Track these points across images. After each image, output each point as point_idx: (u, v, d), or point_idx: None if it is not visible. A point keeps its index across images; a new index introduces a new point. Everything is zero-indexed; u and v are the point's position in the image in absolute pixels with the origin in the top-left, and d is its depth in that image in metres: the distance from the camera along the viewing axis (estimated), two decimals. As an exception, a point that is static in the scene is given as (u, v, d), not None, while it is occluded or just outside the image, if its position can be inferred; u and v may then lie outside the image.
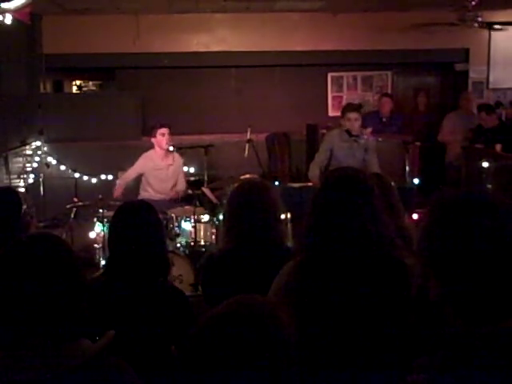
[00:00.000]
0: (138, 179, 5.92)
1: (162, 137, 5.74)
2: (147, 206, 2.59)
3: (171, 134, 5.80)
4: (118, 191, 5.72)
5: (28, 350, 1.42)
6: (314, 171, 5.70)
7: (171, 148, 5.76)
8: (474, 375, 1.10)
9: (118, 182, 5.96)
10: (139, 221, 2.47)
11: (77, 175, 6.83)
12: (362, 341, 1.81)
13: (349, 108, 5.69)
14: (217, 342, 1.18)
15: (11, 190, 2.96)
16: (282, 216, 2.69)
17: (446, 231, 1.22)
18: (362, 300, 1.82)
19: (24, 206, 2.78)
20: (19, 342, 1.44)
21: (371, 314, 1.82)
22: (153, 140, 5.81)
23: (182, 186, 5.97)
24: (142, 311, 2.32)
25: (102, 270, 2.79)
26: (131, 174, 5.87)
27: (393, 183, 2.82)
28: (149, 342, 2.27)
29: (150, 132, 5.93)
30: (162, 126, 5.76)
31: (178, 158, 5.96)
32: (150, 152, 5.87)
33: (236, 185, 2.88)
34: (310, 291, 1.84)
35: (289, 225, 3.72)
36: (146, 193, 5.80)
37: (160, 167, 5.81)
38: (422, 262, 1.28)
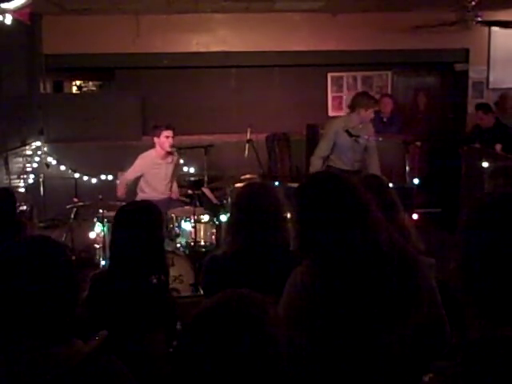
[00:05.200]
0: (137, 180, 5.93)
1: (165, 139, 5.75)
2: (149, 207, 2.61)
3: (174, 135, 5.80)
4: (120, 190, 5.73)
5: (21, 351, 1.43)
6: (316, 167, 5.66)
7: (173, 149, 5.79)
8: (495, 380, 1.09)
9: (118, 181, 5.97)
10: (140, 221, 2.49)
11: (77, 175, 6.83)
12: (380, 344, 1.78)
13: (373, 101, 5.66)
14: (205, 337, 1.19)
15: (5, 191, 2.95)
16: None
17: (485, 234, 1.20)
18: (379, 300, 1.79)
19: (22, 207, 2.79)
20: (12, 343, 1.44)
21: (390, 313, 1.80)
22: (155, 139, 5.80)
23: (175, 186, 6.00)
24: (133, 308, 2.37)
25: (104, 267, 2.83)
26: (130, 175, 5.86)
27: (390, 184, 2.82)
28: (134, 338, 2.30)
29: (153, 130, 5.92)
30: (167, 128, 5.77)
31: (176, 159, 5.97)
32: (149, 151, 5.87)
33: (241, 186, 2.87)
34: (328, 297, 1.81)
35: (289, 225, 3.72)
36: (144, 194, 5.80)
37: (159, 164, 5.81)
38: (454, 264, 1.26)
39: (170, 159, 5.88)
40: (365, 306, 1.77)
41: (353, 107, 5.73)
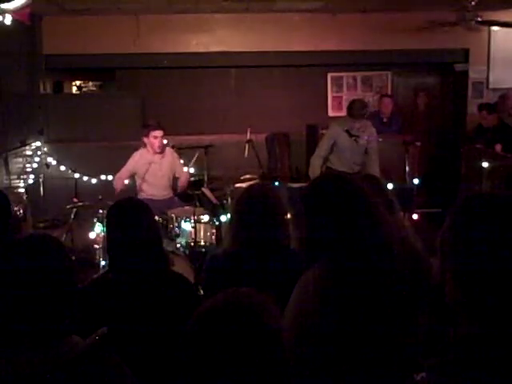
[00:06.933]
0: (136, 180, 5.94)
1: (154, 139, 5.70)
2: (137, 205, 2.60)
3: (168, 134, 5.80)
4: (118, 185, 5.72)
5: (17, 347, 1.44)
6: (316, 167, 5.67)
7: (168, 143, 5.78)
8: (485, 378, 1.09)
9: (114, 179, 5.94)
10: (131, 220, 2.48)
11: (77, 175, 6.82)
12: (387, 343, 1.78)
13: (356, 113, 5.67)
14: (208, 336, 1.20)
15: None
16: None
17: (468, 234, 1.20)
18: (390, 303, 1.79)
19: (16, 208, 2.76)
20: (8, 339, 1.46)
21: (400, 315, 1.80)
22: (145, 139, 5.79)
23: (184, 177, 5.98)
24: (152, 302, 2.34)
25: (105, 270, 2.81)
26: (124, 173, 5.85)
27: (390, 184, 2.83)
28: (161, 333, 2.28)
29: (142, 129, 5.92)
30: (156, 129, 5.70)
31: (170, 152, 5.96)
32: (142, 150, 5.86)
33: (243, 188, 2.88)
34: (345, 298, 1.79)
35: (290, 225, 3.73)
36: (144, 193, 5.80)
37: (153, 161, 5.80)
38: (441, 263, 1.27)
39: (163, 155, 5.86)
40: (378, 306, 1.77)
41: (346, 112, 5.81)
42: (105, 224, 4.89)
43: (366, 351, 1.76)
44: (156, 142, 5.69)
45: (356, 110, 5.63)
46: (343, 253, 1.82)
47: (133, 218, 2.48)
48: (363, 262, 1.80)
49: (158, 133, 5.70)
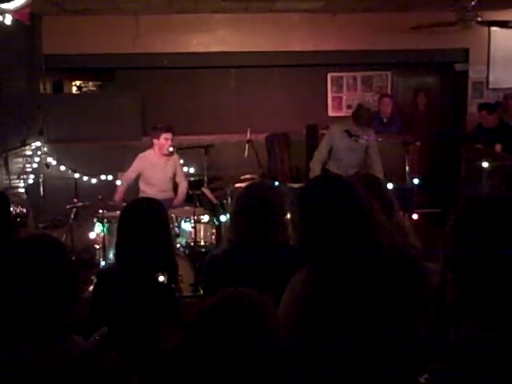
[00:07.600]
0: (138, 181, 5.97)
1: (164, 141, 5.80)
2: (155, 204, 2.64)
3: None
4: (118, 196, 5.76)
5: (18, 347, 1.44)
6: (316, 171, 5.70)
7: (171, 149, 5.83)
8: (487, 381, 1.09)
9: (118, 185, 5.97)
10: (146, 219, 2.51)
11: (77, 175, 6.82)
12: (380, 348, 1.77)
13: (361, 120, 5.67)
14: (206, 336, 1.20)
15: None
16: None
17: (470, 235, 1.20)
18: (382, 304, 1.78)
19: (16, 211, 2.74)
20: (9, 340, 1.46)
21: (393, 317, 1.79)
22: (154, 141, 5.84)
23: (183, 186, 6.02)
24: (137, 305, 2.37)
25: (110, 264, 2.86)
26: (131, 174, 5.92)
27: (390, 184, 2.82)
28: (139, 336, 2.30)
29: (152, 131, 5.95)
30: (167, 131, 5.82)
31: (174, 157, 6.01)
32: (148, 152, 5.93)
33: (244, 186, 2.89)
34: (332, 300, 1.79)
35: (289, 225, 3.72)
36: (144, 194, 5.82)
37: (157, 163, 5.87)
38: (443, 263, 1.27)
39: (168, 159, 5.92)
40: (365, 310, 1.77)
41: (352, 115, 5.81)
42: (106, 223, 4.91)
43: (359, 352, 1.76)
44: (166, 145, 5.80)
45: (363, 119, 5.66)
46: (333, 254, 1.82)
47: (147, 216, 2.51)
48: (352, 264, 1.80)
49: (169, 135, 5.82)
